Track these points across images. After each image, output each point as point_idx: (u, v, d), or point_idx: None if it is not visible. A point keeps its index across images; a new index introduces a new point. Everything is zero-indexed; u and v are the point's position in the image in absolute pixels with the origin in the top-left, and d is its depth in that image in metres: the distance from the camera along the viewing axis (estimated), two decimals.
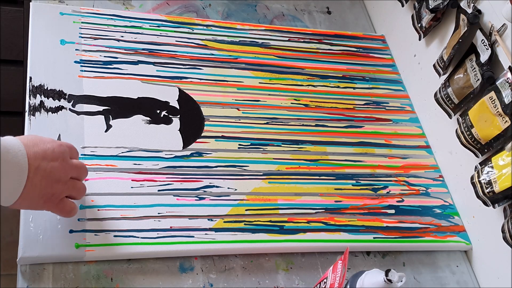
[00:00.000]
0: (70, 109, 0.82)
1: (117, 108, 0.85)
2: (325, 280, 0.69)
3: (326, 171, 0.89)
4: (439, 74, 0.93)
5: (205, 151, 0.85)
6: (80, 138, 0.79)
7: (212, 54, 0.98)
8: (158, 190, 0.78)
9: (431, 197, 0.92)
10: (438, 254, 0.87)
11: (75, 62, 0.87)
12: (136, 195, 0.77)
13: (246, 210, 0.81)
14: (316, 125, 0.95)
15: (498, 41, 0.80)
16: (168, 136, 0.85)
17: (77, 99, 0.83)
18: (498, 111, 0.78)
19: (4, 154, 0.58)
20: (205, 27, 1.01)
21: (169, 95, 0.89)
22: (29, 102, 0.80)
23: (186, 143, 0.85)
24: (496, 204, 0.79)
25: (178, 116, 0.87)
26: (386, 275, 0.66)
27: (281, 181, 0.86)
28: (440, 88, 0.92)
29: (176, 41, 0.97)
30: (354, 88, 1.03)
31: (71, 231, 0.71)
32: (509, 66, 0.77)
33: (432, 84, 0.96)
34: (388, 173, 0.93)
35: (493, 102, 0.79)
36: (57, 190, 0.64)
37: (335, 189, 0.88)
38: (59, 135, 0.78)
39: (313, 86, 1.01)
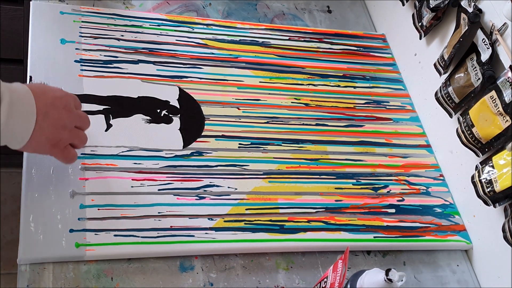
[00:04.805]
0: None
1: (117, 107, 0.84)
2: (325, 279, 0.69)
3: (326, 170, 0.89)
4: (440, 73, 0.93)
5: (206, 151, 0.85)
6: None
7: (213, 53, 0.98)
8: (158, 190, 0.78)
9: (432, 196, 0.92)
10: (439, 254, 0.87)
11: (75, 61, 0.87)
12: (136, 195, 0.77)
13: (247, 209, 0.81)
14: (317, 124, 0.95)
15: (499, 40, 0.80)
16: (168, 135, 0.84)
17: None
18: (499, 110, 0.78)
19: (15, 98, 0.61)
20: (205, 26, 1.01)
21: (169, 94, 0.89)
22: None
23: (186, 143, 0.85)
24: (497, 204, 0.79)
25: (178, 115, 0.87)
26: (387, 274, 0.66)
27: (281, 180, 0.86)
28: (440, 87, 0.92)
29: (176, 40, 0.97)
30: (354, 87, 1.03)
31: (71, 231, 0.71)
32: (510, 65, 0.77)
33: (433, 83, 0.96)
34: (389, 172, 0.92)
35: (493, 101, 0.79)
36: (63, 137, 0.68)
37: (336, 188, 0.88)
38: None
39: (314, 85, 1.00)
